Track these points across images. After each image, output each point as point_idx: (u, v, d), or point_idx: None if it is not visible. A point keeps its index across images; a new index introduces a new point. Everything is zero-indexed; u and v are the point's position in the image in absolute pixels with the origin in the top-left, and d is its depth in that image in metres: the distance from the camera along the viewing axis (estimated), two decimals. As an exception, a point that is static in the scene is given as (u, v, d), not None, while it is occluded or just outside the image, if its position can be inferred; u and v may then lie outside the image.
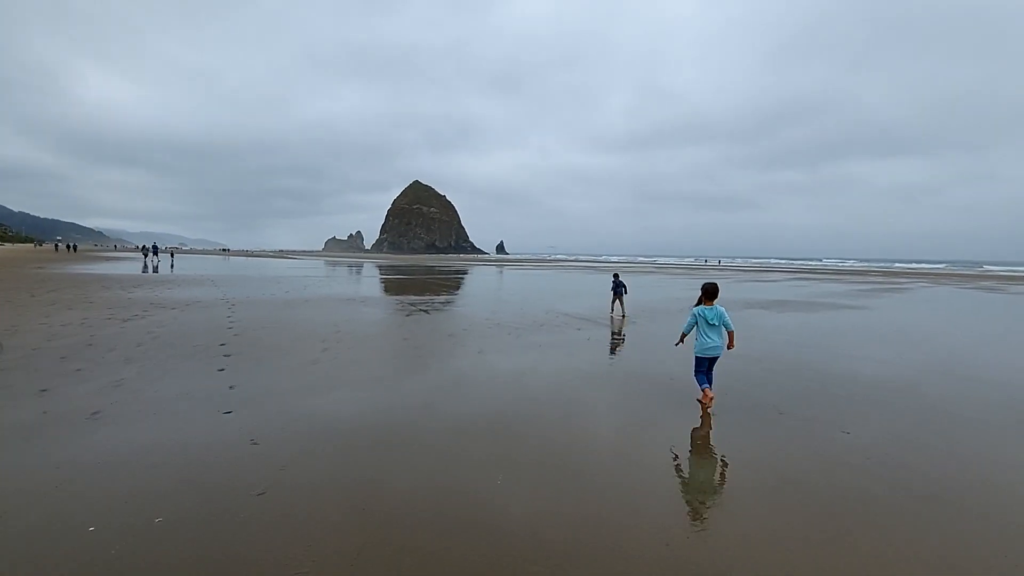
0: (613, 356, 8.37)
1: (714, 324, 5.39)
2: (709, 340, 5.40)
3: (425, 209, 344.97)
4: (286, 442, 4.25)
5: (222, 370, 6.56)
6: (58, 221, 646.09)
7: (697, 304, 5.56)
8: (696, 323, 5.50)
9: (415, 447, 4.23)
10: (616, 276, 13.43)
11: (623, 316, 12.57)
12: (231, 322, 10.53)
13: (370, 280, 28.23)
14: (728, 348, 5.49)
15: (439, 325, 11.23)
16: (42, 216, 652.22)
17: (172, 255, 55.38)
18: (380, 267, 47.36)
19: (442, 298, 17.68)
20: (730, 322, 5.45)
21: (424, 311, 13.64)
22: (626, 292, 13.17)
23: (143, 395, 5.41)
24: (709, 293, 5.44)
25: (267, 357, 7.40)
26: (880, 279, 38.80)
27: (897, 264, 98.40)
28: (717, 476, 3.92)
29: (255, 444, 4.20)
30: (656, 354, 8.29)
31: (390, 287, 23.36)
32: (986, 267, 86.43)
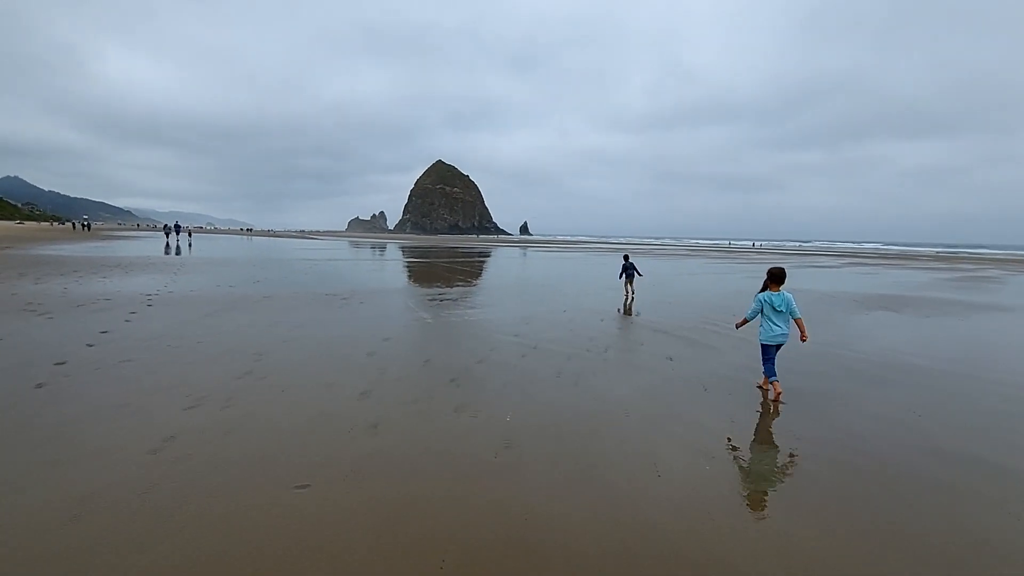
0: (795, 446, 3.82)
1: (781, 311, 5.03)
2: (776, 327, 5.05)
3: (448, 189, 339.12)
4: None
5: None
6: (88, 200, 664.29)
7: (762, 290, 5.20)
8: (761, 310, 5.15)
9: None
10: (626, 258, 12.90)
11: (633, 298, 12.05)
12: (89, 344, 6.32)
13: (378, 264, 24.01)
14: (802, 340, 5.14)
15: (439, 350, 6.80)
16: (72, 196, 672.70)
17: (189, 234, 53.69)
18: (397, 248, 43.22)
19: (456, 291, 13.28)
20: (797, 309, 5.05)
21: (426, 317, 9.27)
22: (639, 274, 12.67)
23: None
24: (776, 278, 5.09)
25: None
26: (940, 265, 33.10)
27: (903, 247, 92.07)
28: None
29: None
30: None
31: (397, 274, 19.12)
32: (982, 251, 79.98)
